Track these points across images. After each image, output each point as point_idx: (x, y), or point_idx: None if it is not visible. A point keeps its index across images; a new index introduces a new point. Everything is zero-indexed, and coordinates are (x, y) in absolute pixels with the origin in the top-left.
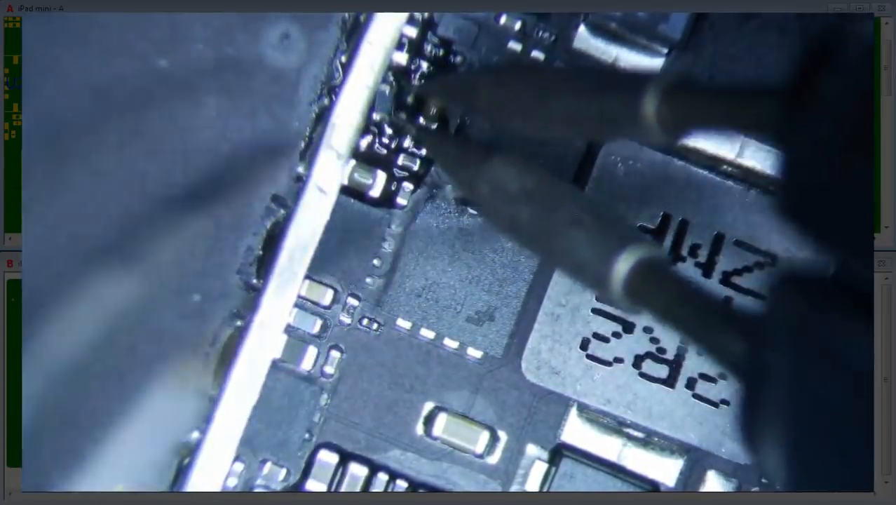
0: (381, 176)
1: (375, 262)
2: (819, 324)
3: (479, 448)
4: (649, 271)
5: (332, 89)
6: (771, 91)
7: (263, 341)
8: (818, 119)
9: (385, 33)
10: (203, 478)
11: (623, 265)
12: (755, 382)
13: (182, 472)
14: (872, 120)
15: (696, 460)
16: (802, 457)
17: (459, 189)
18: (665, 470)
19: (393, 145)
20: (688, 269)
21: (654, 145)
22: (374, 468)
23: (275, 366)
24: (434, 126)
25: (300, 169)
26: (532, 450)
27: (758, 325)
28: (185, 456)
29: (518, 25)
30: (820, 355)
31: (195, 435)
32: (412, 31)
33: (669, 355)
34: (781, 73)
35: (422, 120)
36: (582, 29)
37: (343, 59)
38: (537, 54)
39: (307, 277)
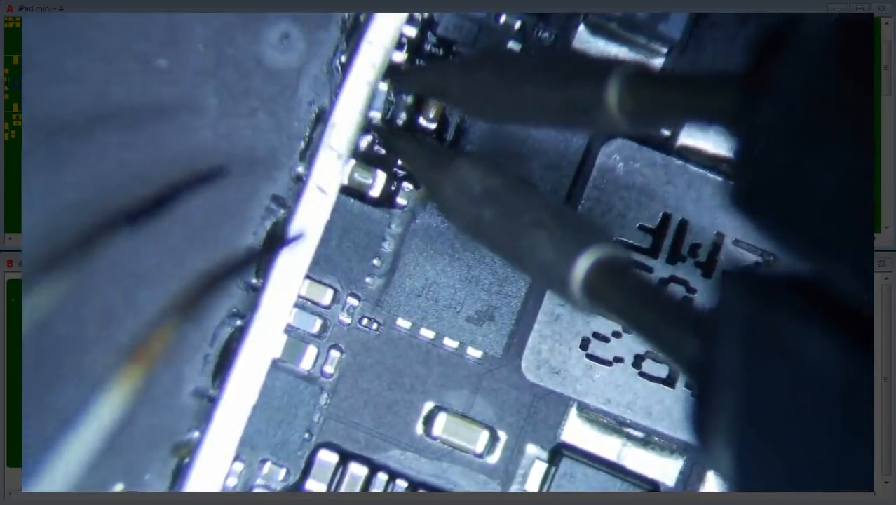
0: (381, 176)
1: (375, 262)
2: (778, 326)
3: (479, 448)
4: (608, 271)
5: (331, 89)
6: (731, 78)
7: (263, 341)
8: (775, 104)
9: (385, 33)
10: (203, 478)
11: (583, 265)
12: (713, 384)
13: (182, 472)
14: (835, 102)
15: (696, 460)
16: (763, 457)
17: (425, 189)
18: (665, 470)
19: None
20: (688, 268)
21: (651, 144)
22: (374, 468)
23: (275, 366)
24: (430, 126)
25: (300, 169)
26: (532, 450)
27: (715, 326)
28: (185, 456)
29: (518, 25)
30: (781, 356)
31: (195, 435)
32: (412, 31)
33: None
34: (785, 27)
35: (422, 120)
36: (582, 29)
37: (343, 59)
38: None
39: (307, 276)
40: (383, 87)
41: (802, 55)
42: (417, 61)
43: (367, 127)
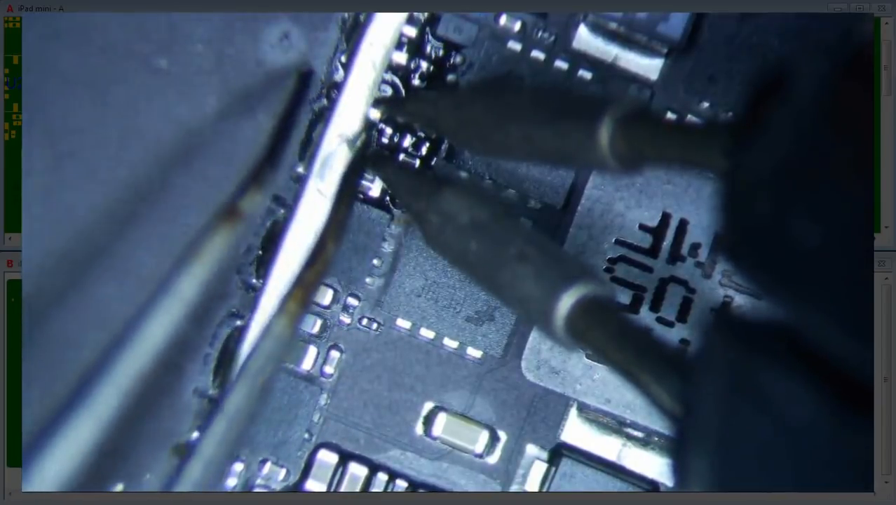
0: None
1: (375, 262)
2: (757, 371)
3: (479, 448)
4: (591, 309)
5: (332, 89)
6: (724, 125)
7: None
8: (768, 152)
9: (385, 33)
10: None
11: (566, 302)
12: (692, 424)
13: None
14: (832, 141)
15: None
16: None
17: (411, 218)
18: (665, 470)
19: (393, 145)
20: (688, 268)
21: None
22: (374, 468)
23: None
24: (426, 145)
25: (300, 169)
26: (532, 450)
27: (695, 367)
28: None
29: (518, 25)
30: (758, 401)
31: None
32: (412, 31)
33: None
34: (780, 73)
35: (410, 139)
36: (582, 29)
37: (343, 58)
38: (537, 54)
39: None
40: (374, 114)
41: (796, 104)
42: (410, 90)
43: (355, 156)
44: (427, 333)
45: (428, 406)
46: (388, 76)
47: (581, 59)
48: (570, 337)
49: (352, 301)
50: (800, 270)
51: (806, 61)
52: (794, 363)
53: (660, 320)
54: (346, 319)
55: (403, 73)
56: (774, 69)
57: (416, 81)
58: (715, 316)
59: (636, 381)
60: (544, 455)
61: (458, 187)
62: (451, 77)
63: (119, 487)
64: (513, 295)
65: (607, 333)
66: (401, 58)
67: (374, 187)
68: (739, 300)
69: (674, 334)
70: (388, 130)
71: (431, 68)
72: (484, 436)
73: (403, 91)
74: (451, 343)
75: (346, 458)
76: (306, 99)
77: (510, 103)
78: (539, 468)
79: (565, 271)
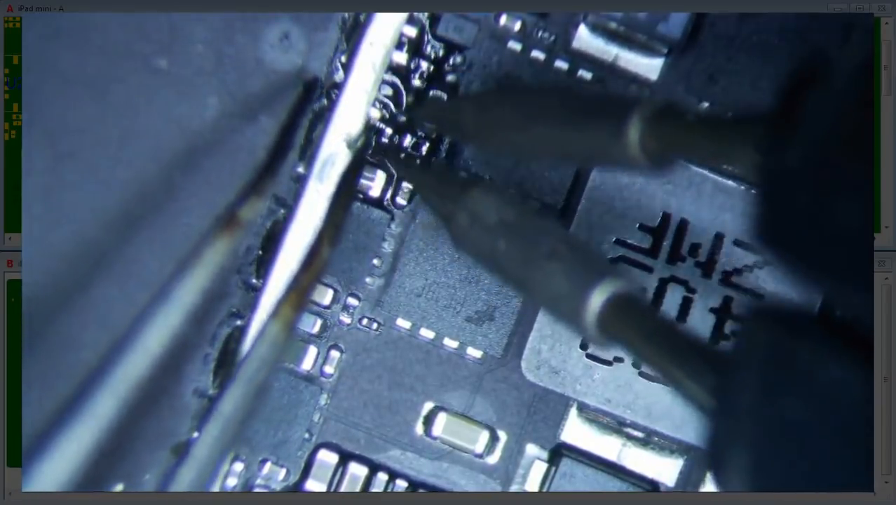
0: (381, 176)
1: (375, 262)
2: (795, 356)
3: (479, 448)
4: (624, 306)
5: (332, 89)
6: (757, 119)
7: None
8: (804, 142)
9: (385, 33)
10: None
11: (598, 299)
12: (729, 417)
13: None
14: (862, 138)
15: (696, 460)
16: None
17: (439, 219)
18: (665, 470)
19: (392, 146)
20: (688, 268)
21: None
22: (374, 468)
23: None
24: (426, 145)
25: (300, 169)
26: (532, 450)
27: (731, 361)
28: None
29: (518, 25)
30: (804, 387)
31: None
32: (412, 31)
33: None
34: (780, 73)
35: (410, 139)
36: (582, 29)
37: (343, 59)
38: (537, 54)
39: None
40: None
41: (832, 98)
42: (430, 94)
43: (375, 151)
44: (427, 333)
45: (428, 406)
46: (389, 76)
47: (581, 59)
48: (602, 334)
49: (352, 301)
50: (832, 260)
51: (842, 56)
52: (838, 357)
53: None
54: (346, 319)
55: (403, 73)
56: (809, 62)
57: (416, 82)
58: (754, 307)
59: (670, 378)
60: (544, 455)
61: (485, 187)
62: (451, 77)
63: (119, 487)
64: (543, 293)
65: (640, 330)
66: (401, 58)
67: (375, 187)
68: (740, 300)
69: None
70: (389, 131)
71: (431, 68)
72: (484, 436)
73: (414, 97)
74: (451, 343)
75: (346, 458)
76: (308, 107)
77: (536, 105)
78: (539, 468)
79: (596, 268)
